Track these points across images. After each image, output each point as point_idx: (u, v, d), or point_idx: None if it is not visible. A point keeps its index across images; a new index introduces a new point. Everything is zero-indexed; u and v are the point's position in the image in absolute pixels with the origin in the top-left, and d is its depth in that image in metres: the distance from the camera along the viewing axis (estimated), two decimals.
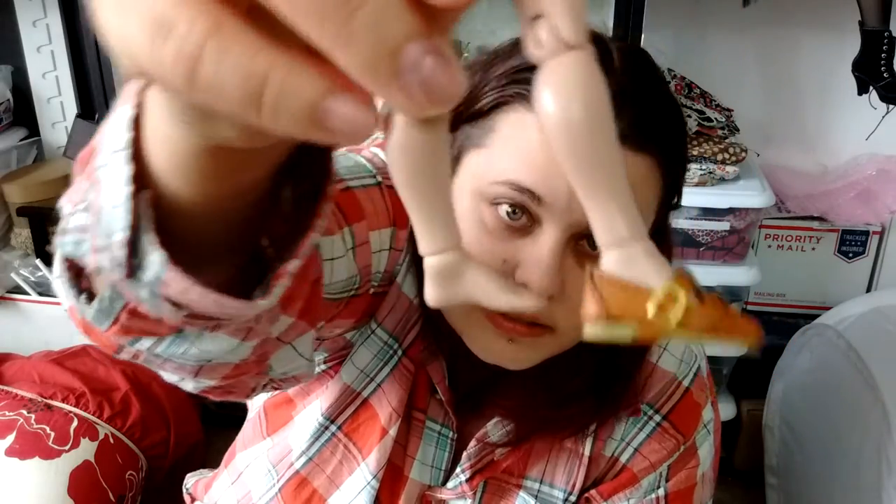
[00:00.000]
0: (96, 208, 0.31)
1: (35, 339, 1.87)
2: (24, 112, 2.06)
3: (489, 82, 0.59)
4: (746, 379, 1.90)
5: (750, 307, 1.98)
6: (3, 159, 1.98)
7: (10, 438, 1.45)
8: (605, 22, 1.59)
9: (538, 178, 0.55)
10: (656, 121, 0.58)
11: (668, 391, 0.72)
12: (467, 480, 0.71)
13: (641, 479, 0.73)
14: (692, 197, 1.66)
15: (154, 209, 0.29)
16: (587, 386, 0.68)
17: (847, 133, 1.91)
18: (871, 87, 1.70)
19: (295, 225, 0.33)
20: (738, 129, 1.77)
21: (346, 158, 0.64)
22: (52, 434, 1.46)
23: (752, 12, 1.76)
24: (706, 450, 0.74)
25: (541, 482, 0.72)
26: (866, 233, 1.91)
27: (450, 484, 0.72)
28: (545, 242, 0.56)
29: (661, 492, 0.73)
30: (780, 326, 1.94)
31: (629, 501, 0.74)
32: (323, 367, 0.71)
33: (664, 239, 0.68)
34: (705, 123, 1.74)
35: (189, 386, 0.43)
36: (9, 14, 1.97)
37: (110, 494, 1.48)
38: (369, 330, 0.68)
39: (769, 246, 1.94)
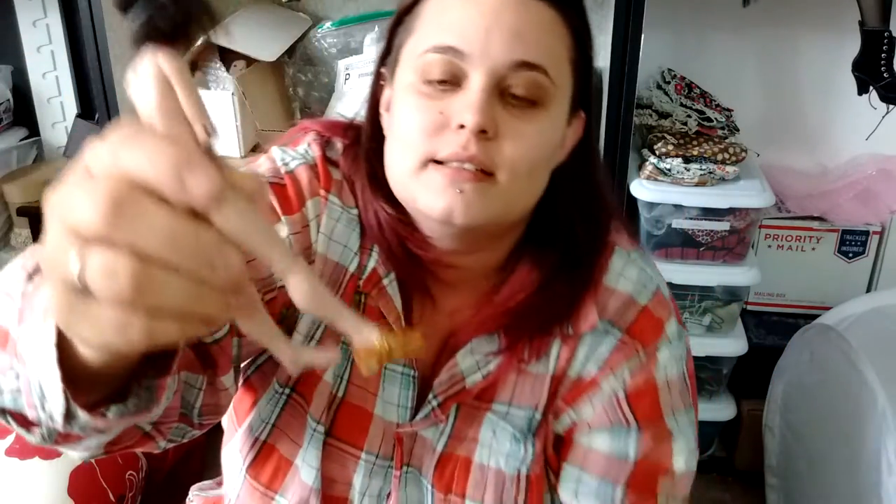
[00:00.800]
0: (27, 381, 0.46)
1: None
2: (24, 112, 2.06)
3: None
4: (746, 379, 1.90)
5: (750, 307, 1.98)
6: (3, 159, 1.98)
7: (10, 438, 1.45)
8: (605, 22, 1.59)
9: (454, 34, 0.63)
10: None
11: (625, 309, 0.75)
12: (439, 406, 0.74)
13: (601, 381, 0.75)
14: (692, 197, 1.66)
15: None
16: (555, 269, 0.73)
17: (847, 133, 1.91)
18: (871, 87, 1.70)
19: None
20: (738, 129, 1.77)
21: None
22: None
23: (752, 12, 1.76)
24: (666, 355, 0.75)
25: (509, 405, 0.75)
26: (866, 233, 1.91)
27: (420, 414, 0.75)
28: (472, 87, 0.63)
29: (620, 391, 0.75)
30: (780, 326, 1.94)
31: (591, 404, 0.76)
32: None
33: (592, 157, 0.75)
34: (705, 123, 1.74)
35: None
36: (9, 14, 1.96)
37: (110, 494, 1.48)
38: None
39: (769, 246, 1.94)
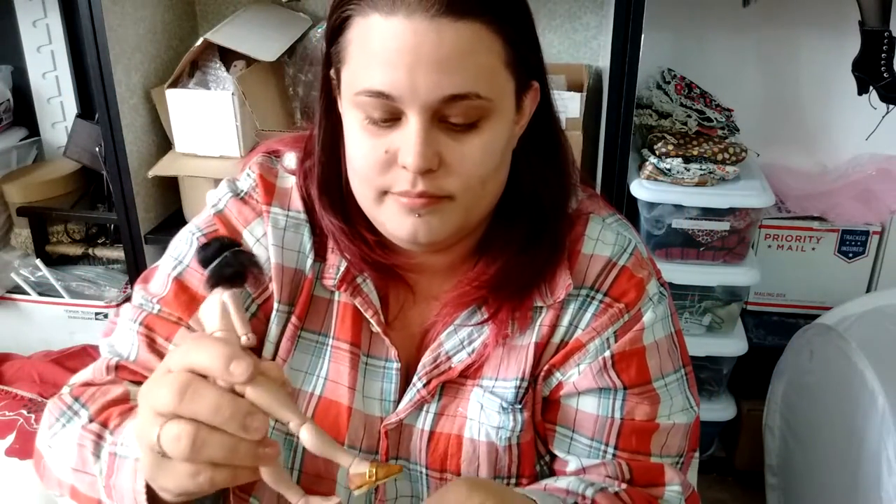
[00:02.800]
0: None
1: (35, 339, 1.87)
2: (24, 112, 2.06)
3: (332, 5, 0.68)
4: (746, 379, 1.90)
5: (750, 307, 1.98)
6: (3, 159, 1.98)
7: (10, 438, 1.45)
8: (605, 22, 1.59)
9: (383, 79, 0.63)
10: None
11: (604, 272, 0.77)
12: (424, 386, 0.76)
13: (587, 343, 0.76)
14: (692, 197, 1.66)
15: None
16: (526, 237, 0.75)
17: (847, 133, 1.91)
18: (871, 87, 1.70)
19: None
20: (738, 129, 1.77)
21: (171, 246, 0.80)
22: None
23: (752, 12, 1.76)
24: (651, 317, 0.77)
25: (495, 379, 0.77)
26: (866, 233, 1.91)
27: (404, 399, 0.77)
28: (410, 128, 0.64)
29: (607, 353, 0.76)
30: (780, 326, 1.95)
31: (579, 367, 0.76)
32: None
33: (551, 122, 0.75)
34: (705, 123, 1.74)
35: None
36: (9, 14, 1.97)
37: None
38: (273, 309, 0.78)
39: (769, 246, 1.94)
